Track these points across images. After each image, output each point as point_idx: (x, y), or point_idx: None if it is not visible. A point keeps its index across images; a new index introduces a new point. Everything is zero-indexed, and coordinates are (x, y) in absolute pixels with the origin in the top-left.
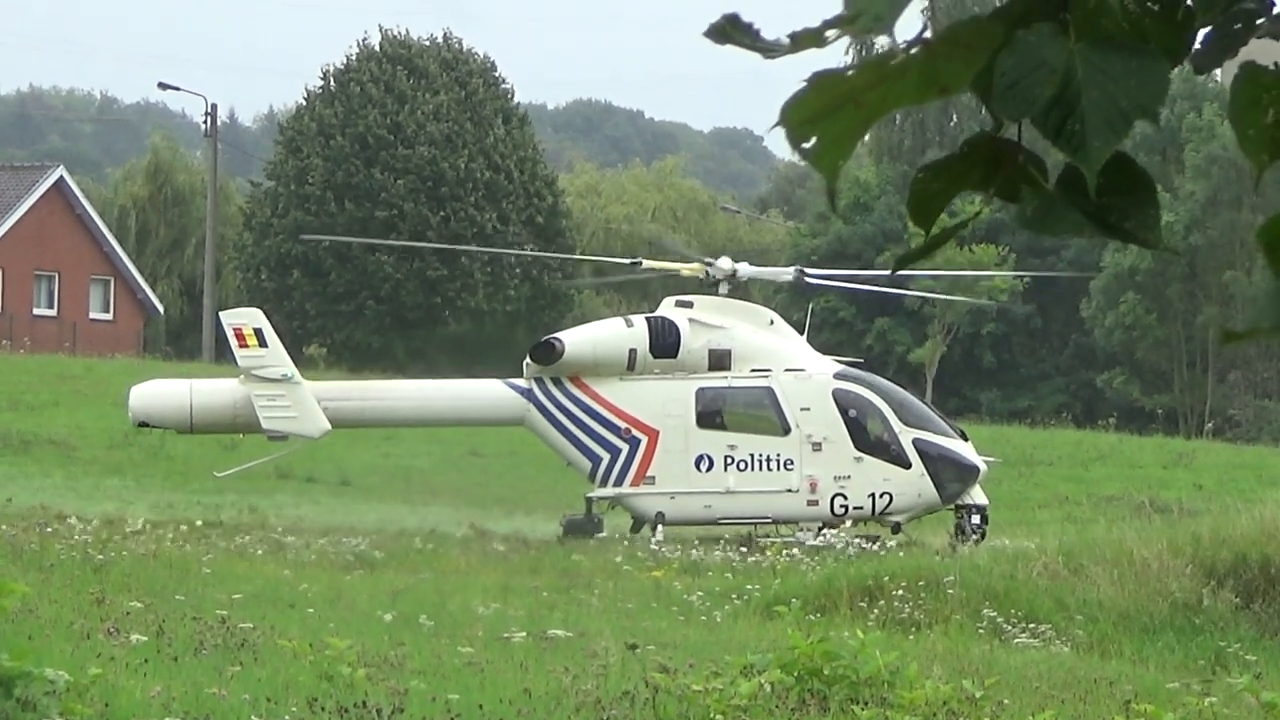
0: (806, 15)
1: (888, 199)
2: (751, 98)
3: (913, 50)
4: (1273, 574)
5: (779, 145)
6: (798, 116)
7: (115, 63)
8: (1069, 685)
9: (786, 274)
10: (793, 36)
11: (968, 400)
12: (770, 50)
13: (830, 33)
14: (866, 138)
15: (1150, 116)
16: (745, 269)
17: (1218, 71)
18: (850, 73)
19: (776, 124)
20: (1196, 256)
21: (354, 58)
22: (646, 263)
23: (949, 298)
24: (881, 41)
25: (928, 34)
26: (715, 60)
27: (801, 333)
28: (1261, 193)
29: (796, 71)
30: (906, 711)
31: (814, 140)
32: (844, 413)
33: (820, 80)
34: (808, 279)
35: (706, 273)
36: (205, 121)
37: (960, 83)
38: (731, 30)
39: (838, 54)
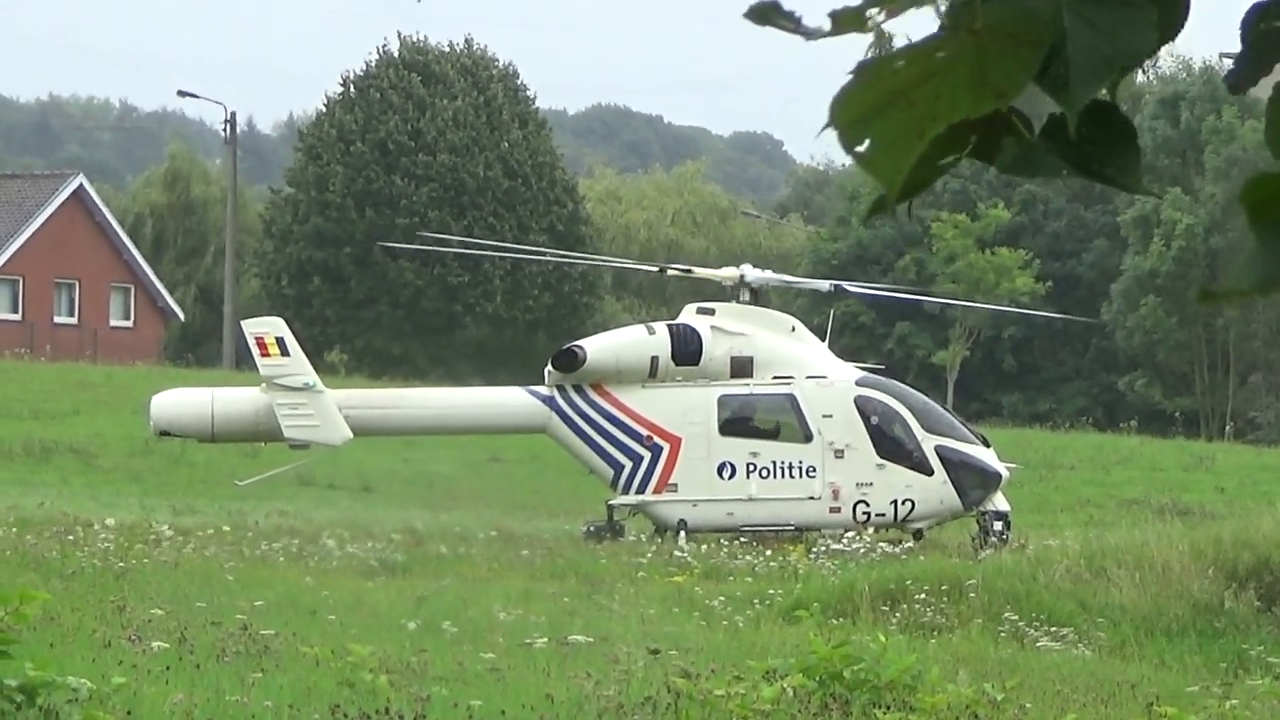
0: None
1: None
2: (771, 102)
3: (959, 39)
4: None
5: (799, 149)
6: (848, 115)
7: (134, 70)
8: (1091, 688)
9: (820, 285)
10: (833, 16)
11: (989, 403)
12: (811, 33)
13: (873, 11)
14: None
15: (1134, 64)
16: (772, 277)
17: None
18: (899, 64)
19: (826, 125)
20: (1217, 259)
21: (374, 64)
22: (676, 268)
23: (973, 304)
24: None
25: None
26: (735, 64)
27: (823, 339)
28: None
29: (815, 75)
30: (928, 715)
31: (868, 144)
32: (866, 420)
33: (866, 71)
34: (846, 291)
35: (742, 278)
36: (224, 129)
37: (1016, 86)
38: (770, 13)
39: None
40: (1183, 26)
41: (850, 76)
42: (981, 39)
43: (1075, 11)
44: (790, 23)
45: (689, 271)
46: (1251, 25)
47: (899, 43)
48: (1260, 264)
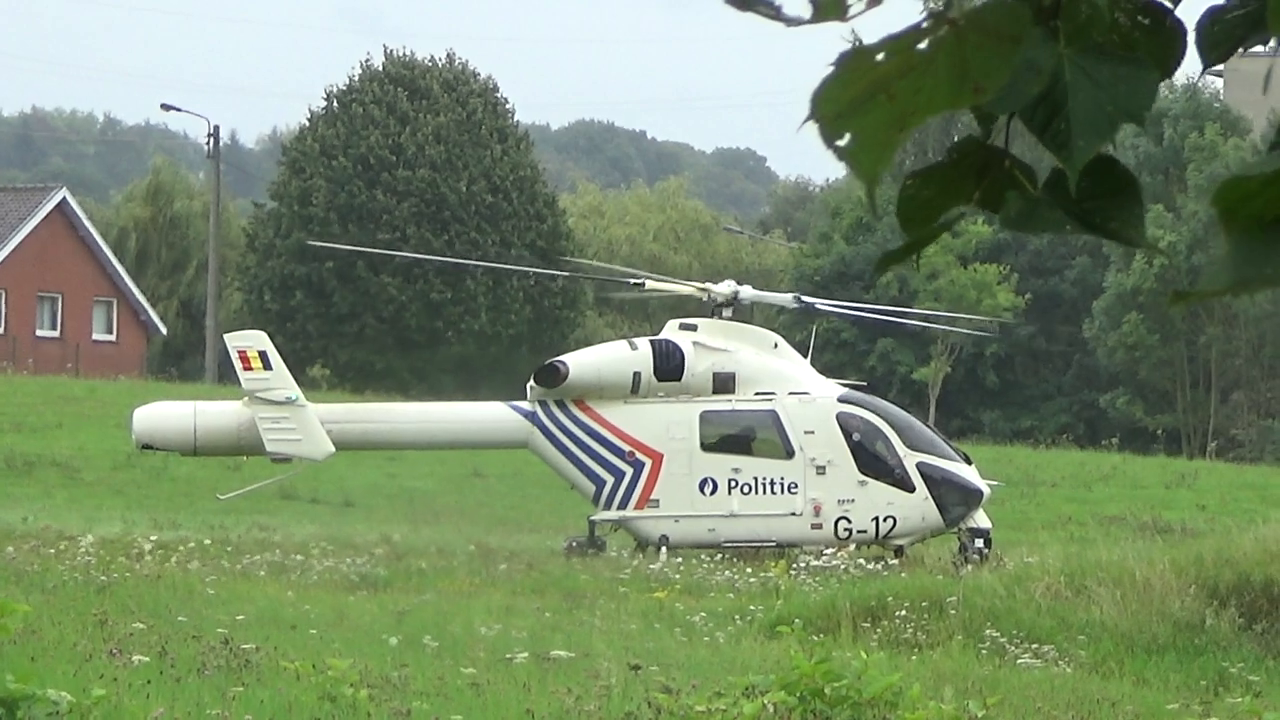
0: None
1: (890, 219)
2: (754, 118)
3: (940, 31)
4: (1275, 594)
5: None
6: (828, 108)
7: (118, 84)
8: (1071, 705)
9: (785, 299)
10: (814, 3)
11: (971, 420)
12: (791, 20)
13: (853, 0)
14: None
15: (1136, 121)
16: (747, 292)
17: (1220, 90)
18: (879, 56)
19: (808, 118)
20: (1199, 276)
21: (356, 78)
22: (650, 282)
23: (949, 328)
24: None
25: (953, 13)
26: (718, 80)
27: (805, 355)
28: None
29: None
30: None
31: (849, 138)
32: (848, 436)
33: (847, 64)
34: (805, 305)
35: (708, 295)
36: (208, 143)
37: (995, 81)
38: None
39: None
40: (1178, 67)
41: (830, 69)
42: (961, 32)
43: (1076, 66)
44: (770, 9)
45: (657, 291)
46: (1204, 28)
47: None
48: (1232, 266)
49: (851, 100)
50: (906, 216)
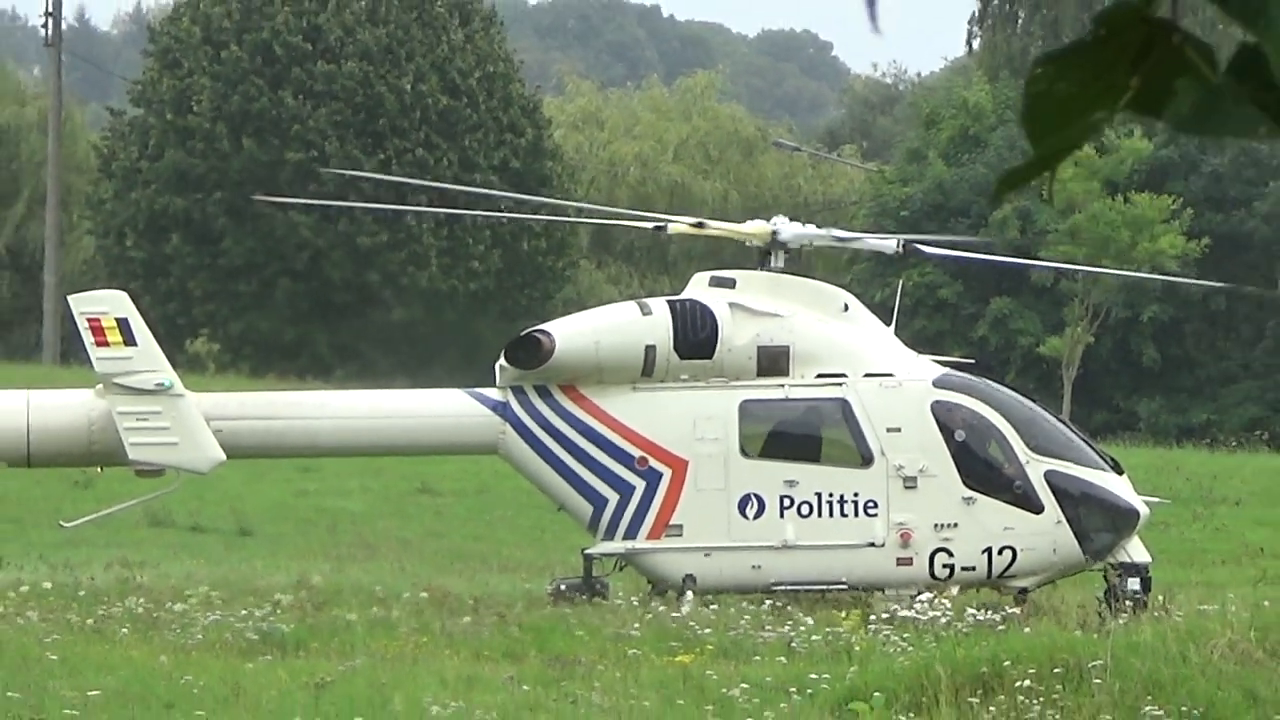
0: None
1: (1007, 130)
2: None
3: None
4: None
5: (855, 55)
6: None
7: None
8: None
9: (885, 244)
10: None
11: (1122, 413)
12: None
13: None
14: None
15: None
16: (829, 236)
17: None
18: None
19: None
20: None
21: None
22: (676, 225)
23: (1101, 270)
24: None
25: None
26: None
27: (888, 321)
28: None
29: None
30: None
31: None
32: (948, 435)
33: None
34: (913, 250)
35: (774, 235)
36: (45, 25)
37: None
38: None
39: None
40: None
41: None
42: None
43: None
44: None
45: (700, 226)
46: None
47: None
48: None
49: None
50: (1036, 120)
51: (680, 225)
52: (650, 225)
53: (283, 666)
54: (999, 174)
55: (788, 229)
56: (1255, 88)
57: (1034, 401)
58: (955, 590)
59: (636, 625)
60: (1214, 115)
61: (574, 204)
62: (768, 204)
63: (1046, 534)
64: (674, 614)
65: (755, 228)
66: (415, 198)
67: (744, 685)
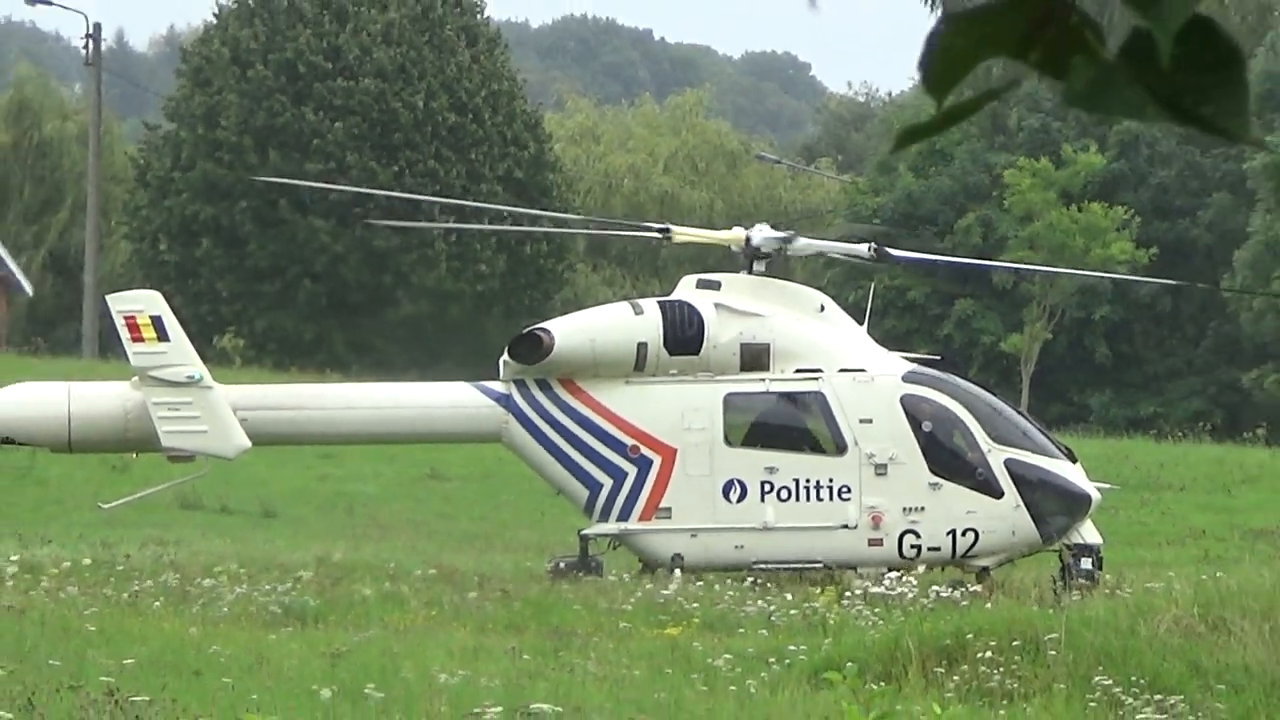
0: None
1: (971, 145)
2: (794, 15)
3: None
4: None
5: (831, 75)
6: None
7: None
8: None
9: (858, 249)
10: None
11: (1075, 406)
12: None
13: None
14: None
15: None
16: (803, 242)
17: None
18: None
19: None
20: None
21: None
22: (676, 231)
23: (1058, 270)
24: None
25: None
26: None
27: (861, 320)
28: None
29: None
30: None
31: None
32: (916, 425)
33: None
34: (884, 256)
35: (748, 241)
36: (86, 46)
37: None
38: None
39: None
40: None
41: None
42: None
43: None
44: None
45: (678, 235)
46: None
47: None
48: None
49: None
50: (932, 70)
51: (680, 234)
52: (653, 234)
53: (303, 637)
54: (900, 128)
55: (763, 235)
56: (1145, 70)
57: (995, 395)
58: (922, 569)
59: (628, 601)
60: (1106, 93)
61: (575, 216)
62: (750, 212)
63: (1006, 517)
64: (663, 590)
65: (734, 234)
66: (428, 208)
67: (727, 656)
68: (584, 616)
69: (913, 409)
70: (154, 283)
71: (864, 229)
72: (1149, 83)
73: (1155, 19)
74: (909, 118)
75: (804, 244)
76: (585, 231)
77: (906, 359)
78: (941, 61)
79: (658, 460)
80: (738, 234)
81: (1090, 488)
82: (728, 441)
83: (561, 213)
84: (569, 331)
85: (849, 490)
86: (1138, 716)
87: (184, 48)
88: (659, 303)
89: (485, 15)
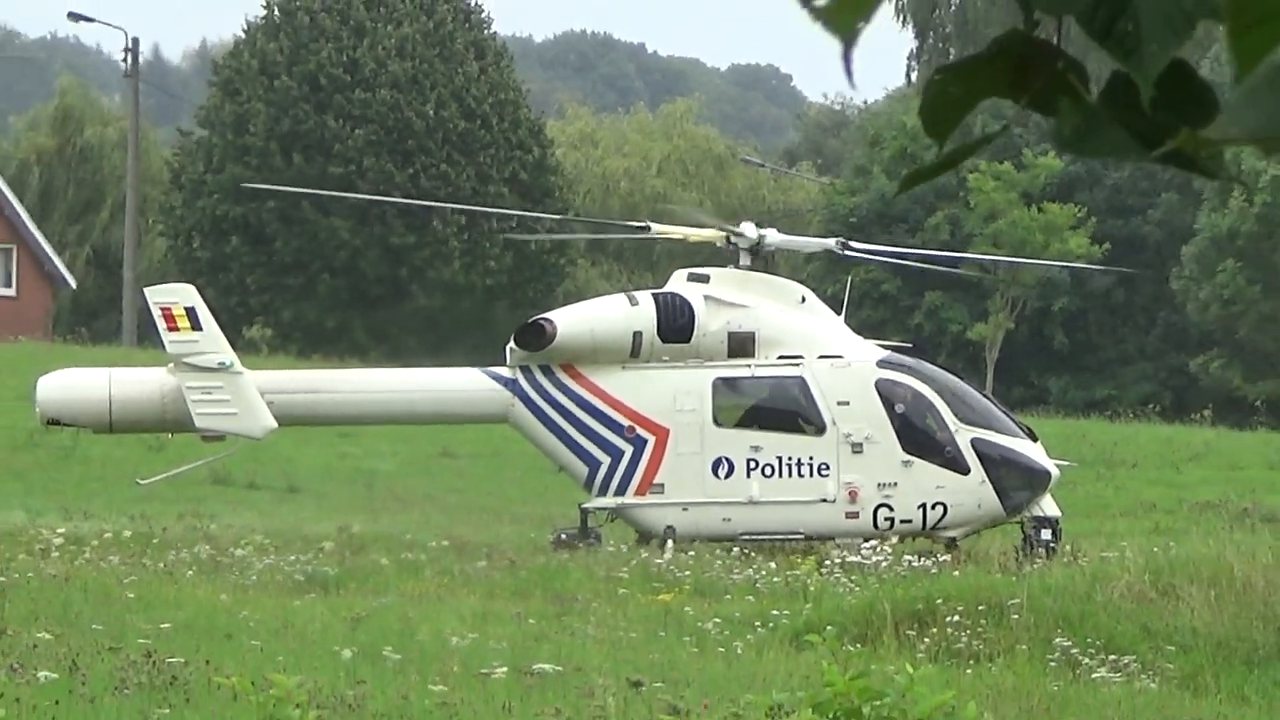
0: None
1: (940, 150)
2: (778, 29)
3: None
4: None
5: (811, 84)
6: None
7: None
8: None
9: (826, 244)
10: None
11: (1036, 389)
12: None
13: None
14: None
15: (1217, 16)
16: (774, 237)
17: None
18: None
19: None
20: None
21: None
22: (656, 227)
23: (1018, 260)
24: None
25: None
26: None
27: (839, 311)
28: None
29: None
30: None
31: None
32: (890, 407)
33: None
34: (850, 252)
35: (728, 240)
36: (125, 59)
37: None
38: None
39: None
40: None
41: None
42: None
43: None
44: None
45: (663, 236)
46: None
47: None
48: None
49: None
50: (931, 116)
51: (663, 228)
52: (640, 230)
53: (325, 603)
54: (907, 172)
55: (755, 233)
56: (1127, 113)
57: (962, 379)
58: (895, 539)
59: (625, 569)
60: (1091, 136)
61: (572, 219)
62: (736, 211)
63: (972, 492)
64: (657, 559)
65: (713, 233)
66: (437, 206)
67: (716, 620)
68: (584, 583)
69: (886, 392)
70: (188, 277)
71: (841, 227)
72: (1131, 124)
73: (1136, 66)
74: (892, 136)
75: (776, 239)
76: (575, 236)
77: (880, 346)
78: (939, 108)
79: (652, 440)
80: (710, 233)
81: (1050, 464)
82: (716, 422)
83: (562, 213)
84: (570, 321)
85: (828, 467)
86: (1094, 675)
87: (215, 60)
88: (653, 294)
89: (492, 30)
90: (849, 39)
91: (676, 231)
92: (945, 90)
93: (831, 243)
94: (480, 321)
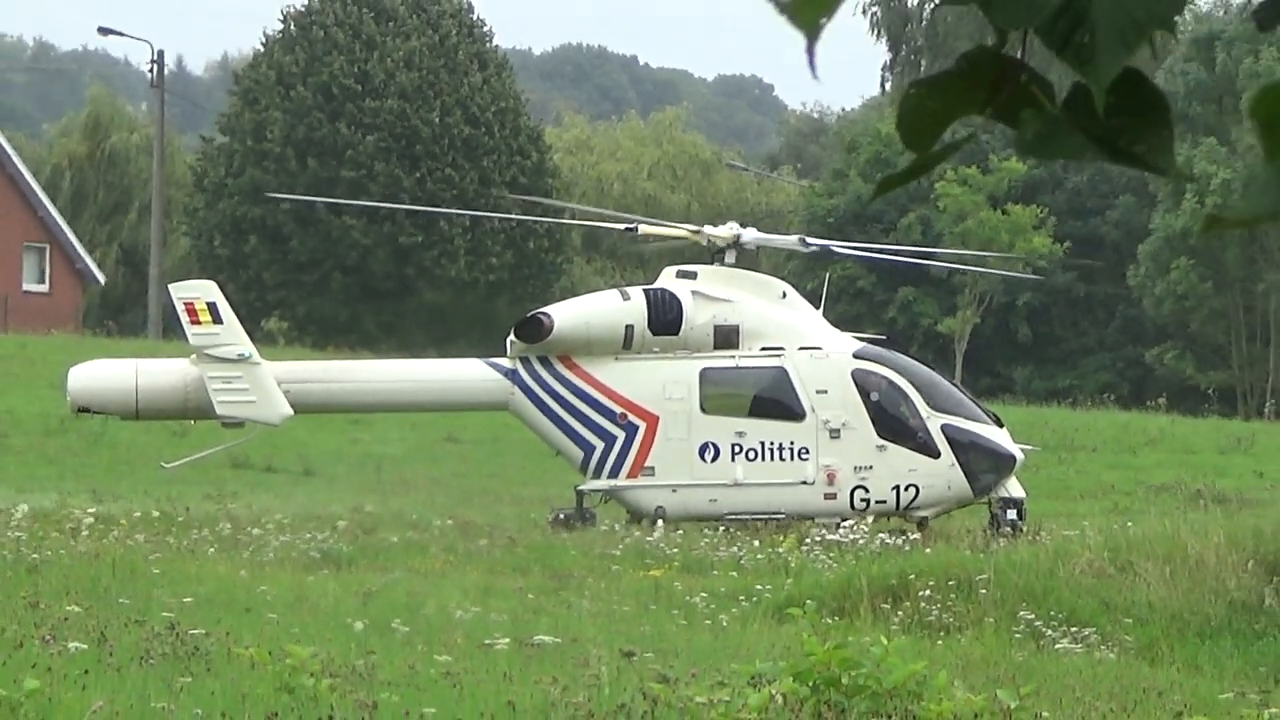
0: None
1: (911, 155)
2: (760, 42)
3: None
4: None
5: (791, 94)
6: None
7: (50, 5)
8: (1115, 695)
9: (790, 241)
10: None
11: (1002, 379)
12: None
13: None
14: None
15: (1166, 26)
16: (751, 235)
17: None
18: None
19: None
20: (1237, 198)
21: None
22: (643, 227)
23: (980, 270)
24: None
25: None
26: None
27: (817, 305)
28: None
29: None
30: None
31: None
32: (865, 396)
33: None
34: (814, 247)
35: (705, 239)
36: (151, 70)
37: None
38: None
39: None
40: None
41: None
42: None
43: None
44: None
45: (649, 236)
46: None
47: None
48: (1274, 185)
49: None
50: (909, 129)
51: (648, 228)
52: (623, 227)
53: (338, 579)
54: (881, 177)
55: (731, 232)
56: (1084, 119)
57: (933, 369)
58: (870, 519)
59: (618, 546)
60: (1051, 141)
61: (564, 204)
62: (722, 213)
63: (943, 475)
64: (648, 538)
65: (685, 229)
66: (443, 207)
67: (703, 594)
68: (580, 560)
69: (862, 381)
70: (209, 273)
71: (820, 227)
72: (1088, 129)
73: (1091, 74)
74: (868, 142)
75: (751, 237)
76: (567, 221)
77: (857, 338)
78: (916, 120)
79: (643, 426)
80: (691, 230)
81: (1015, 449)
82: (703, 410)
83: (559, 214)
84: (567, 315)
85: (807, 452)
86: (1056, 646)
87: (235, 72)
88: (644, 290)
89: (494, 43)
90: (812, 34)
91: (661, 229)
92: (922, 104)
93: (793, 239)
94: (482, 315)
